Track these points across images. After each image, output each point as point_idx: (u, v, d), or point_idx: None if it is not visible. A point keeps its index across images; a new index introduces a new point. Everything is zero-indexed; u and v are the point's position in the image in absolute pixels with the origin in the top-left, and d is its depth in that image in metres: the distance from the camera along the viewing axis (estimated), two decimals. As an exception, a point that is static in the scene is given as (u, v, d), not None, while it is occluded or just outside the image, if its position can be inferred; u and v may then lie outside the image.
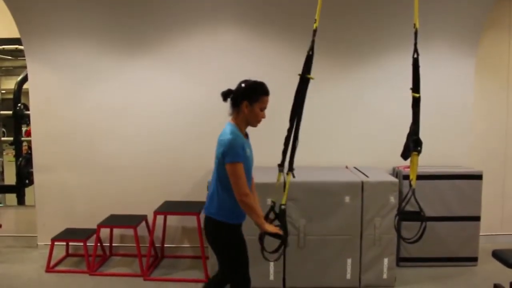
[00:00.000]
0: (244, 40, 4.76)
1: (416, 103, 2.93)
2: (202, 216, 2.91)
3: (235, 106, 2.72)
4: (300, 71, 4.81)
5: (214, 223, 2.73)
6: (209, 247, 2.98)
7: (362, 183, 4.00)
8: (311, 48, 2.84)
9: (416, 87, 2.90)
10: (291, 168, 2.87)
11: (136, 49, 4.80)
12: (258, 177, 4.03)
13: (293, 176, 2.85)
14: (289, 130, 2.86)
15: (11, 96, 5.74)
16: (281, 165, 2.91)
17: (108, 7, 4.74)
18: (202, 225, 2.85)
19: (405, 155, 2.99)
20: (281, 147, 4.74)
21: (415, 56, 2.84)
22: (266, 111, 2.78)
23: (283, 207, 2.84)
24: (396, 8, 4.65)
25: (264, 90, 2.72)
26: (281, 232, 2.74)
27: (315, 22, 2.79)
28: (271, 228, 2.72)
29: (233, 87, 4.76)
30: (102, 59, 4.83)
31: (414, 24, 2.81)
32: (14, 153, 6.66)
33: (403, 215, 3.01)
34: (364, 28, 4.73)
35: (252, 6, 4.69)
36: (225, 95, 2.74)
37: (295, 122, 2.89)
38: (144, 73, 4.78)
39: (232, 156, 2.56)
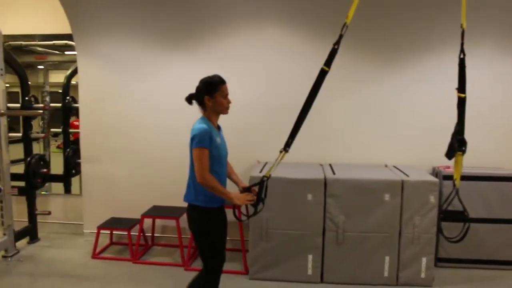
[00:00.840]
0: (287, 38, 4.80)
1: (461, 103, 2.92)
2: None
3: (201, 104, 2.90)
4: (340, 70, 4.85)
5: (193, 209, 2.87)
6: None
7: (402, 182, 4.01)
8: (337, 42, 2.85)
9: (462, 87, 2.88)
10: (287, 146, 2.85)
11: (178, 45, 4.94)
12: (298, 173, 4.13)
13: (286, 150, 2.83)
14: (300, 115, 2.87)
15: (56, 90, 6.03)
16: (288, 146, 2.88)
17: (153, 3, 4.90)
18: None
19: (449, 154, 3.00)
20: (319, 144, 4.85)
21: (462, 56, 2.82)
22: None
23: (264, 178, 2.92)
24: (438, 8, 4.61)
25: (219, 80, 2.89)
26: (251, 202, 2.91)
27: (347, 18, 2.84)
28: (240, 201, 2.85)
29: (271, 83, 4.89)
30: (147, 55, 4.99)
31: (461, 25, 2.79)
32: (57, 145, 6.97)
33: (447, 214, 3.02)
34: (406, 28, 4.69)
35: (297, 3, 4.74)
36: (189, 99, 2.91)
37: (305, 110, 2.88)
38: (187, 68, 4.90)
39: (198, 141, 2.71)
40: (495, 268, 4.47)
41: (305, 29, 4.78)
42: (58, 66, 8.04)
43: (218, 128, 3.01)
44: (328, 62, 2.91)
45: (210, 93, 2.85)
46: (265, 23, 4.81)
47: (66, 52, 6.59)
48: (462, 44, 2.79)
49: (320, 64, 4.81)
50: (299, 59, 4.80)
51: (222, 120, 4.83)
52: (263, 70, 4.82)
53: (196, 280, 3.00)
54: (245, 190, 2.95)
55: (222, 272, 3.05)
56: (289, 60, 4.83)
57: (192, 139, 2.76)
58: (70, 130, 7.88)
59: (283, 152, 2.84)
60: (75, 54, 6.29)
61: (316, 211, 4.05)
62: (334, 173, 4.20)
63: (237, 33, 4.86)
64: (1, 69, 4.47)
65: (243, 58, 4.86)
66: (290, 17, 4.79)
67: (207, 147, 2.73)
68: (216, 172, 2.82)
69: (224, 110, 2.94)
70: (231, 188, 2.95)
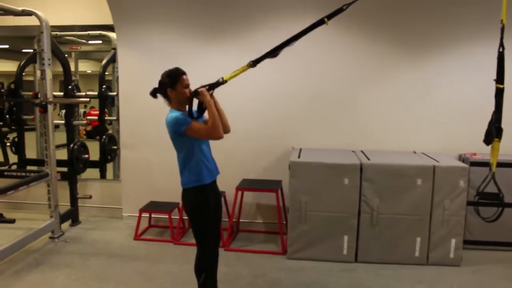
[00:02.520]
0: (321, 30, 4.97)
1: (499, 93, 3.10)
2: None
3: (165, 97, 3.05)
4: (370, 61, 5.01)
5: (188, 191, 3.06)
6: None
7: (434, 167, 4.24)
8: (348, 5, 3.15)
9: (500, 79, 3.07)
10: (255, 63, 3.09)
11: (217, 37, 5.13)
12: (335, 159, 4.35)
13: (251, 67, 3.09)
14: (281, 45, 3.10)
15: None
16: (253, 61, 3.09)
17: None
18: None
19: (488, 140, 3.20)
20: (351, 132, 5.07)
21: (501, 50, 3.01)
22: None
23: (221, 79, 3.04)
24: (470, 7, 4.79)
25: (179, 72, 3.01)
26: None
27: None
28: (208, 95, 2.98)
29: (305, 73, 5.06)
30: (185, 45, 5.18)
31: (501, 20, 2.97)
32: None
33: (482, 196, 3.24)
34: (435, 19, 4.86)
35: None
36: (153, 93, 3.07)
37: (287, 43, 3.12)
38: (224, 58, 5.07)
39: (182, 124, 2.89)
40: (519, 250, 4.70)
41: (339, 22, 4.90)
42: (85, 55, 8.28)
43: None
44: (330, 16, 3.18)
45: (171, 85, 2.97)
46: (300, 15, 4.97)
47: (90, 42, 6.82)
48: (501, 39, 2.99)
49: (353, 55, 5.07)
50: (332, 50, 4.99)
51: (258, 108, 5.08)
52: (297, 61, 5.00)
53: (196, 263, 3.17)
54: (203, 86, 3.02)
55: (218, 253, 3.29)
56: (323, 51, 5.01)
57: (175, 129, 2.91)
58: (89, 118, 8.13)
59: (249, 65, 3.06)
60: (100, 43, 6.56)
61: (352, 195, 4.29)
62: (369, 159, 4.42)
63: (273, 24, 5.00)
64: (49, 59, 4.68)
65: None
66: (325, 9, 4.95)
67: (191, 121, 2.91)
68: (203, 151, 3.06)
69: (187, 100, 3.03)
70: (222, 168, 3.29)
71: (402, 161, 4.35)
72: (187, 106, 3.04)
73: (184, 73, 3.03)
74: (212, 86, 3.04)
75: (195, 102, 3.07)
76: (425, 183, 4.24)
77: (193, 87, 3.06)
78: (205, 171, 3.05)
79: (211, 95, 3.03)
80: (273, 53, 3.11)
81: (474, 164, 4.58)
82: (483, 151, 4.88)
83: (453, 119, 5.00)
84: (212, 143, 3.24)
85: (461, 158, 4.88)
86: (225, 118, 3.17)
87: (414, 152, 4.96)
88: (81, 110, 11.96)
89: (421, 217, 4.29)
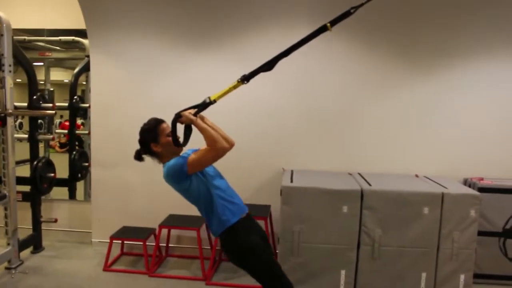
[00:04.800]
0: (318, 41, 4.56)
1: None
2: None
3: (152, 155, 2.76)
4: (370, 75, 4.58)
5: (224, 237, 2.67)
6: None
7: (443, 194, 3.79)
8: (356, 8, 2.59)
9: None
10: (245, 78, 2.62)
11: (202, 44, 4.65)
12: (332, 183, 3.89)
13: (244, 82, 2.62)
14: (278, 56, 2.68)
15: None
16: (245, 76, 2.63)
17: (173, 1, 4.62)
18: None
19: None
20: (347, 152, 4.64)
21: None
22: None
23: (208, 100, 2.62)
24: (484, 15, 4.41)
25: (155, 123, 2.73)
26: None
27: None
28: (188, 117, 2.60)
29: (298, 88, 4.61)
30: (166, 54, 4.69)
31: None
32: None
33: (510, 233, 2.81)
34: (441, 34, 4.46)
35: (330, 3, 4.49)
36: (137, 156, 2.80)
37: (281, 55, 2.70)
38: (209, 69, 4.61)
39: (182, 163, 2.56)
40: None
41: (340, 30, 4.49)
42: (59, 63, 7.70)
43: None
44: (334, 22, 2.67)
45: (153, 140, 2.68)
46: (296, 24, 4.49)
47: (63, 48, 6.28)
48: None
49: (351, 70, 4.64)
50: (329, 63, 4.57)
51: (245, 124, 4.60)
52: (291, 74, 4.55)
53: None
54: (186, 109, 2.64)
55: None
56: (319, 62, 4.57)
57: (178, 176, 2.59)
58: (58, 131, 7.56)
59: (240, 81, 2.60)
60: (77, 50, 6.00)
61: (351, 224, 3.81)
62: (369, 184, 3.96)
63: (266, 33, 4.55)
64: (10, 65, 4.15)
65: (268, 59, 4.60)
66: (323, 19, 4.53)
67: (187, 157, 2.58)
68: (219, 186, 2.71)
69: (176, 147, 2.70)
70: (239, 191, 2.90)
71: (407, 187, 3.89)
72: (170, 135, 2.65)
73: (161, 121, 2.74)
74: (198, 108, 2.61)
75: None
76: (433, 212, 3.79)
77: (175, 106, 2.64)
78: (230, 207, 2.68)
79: (197, 115, 2.60)
80: (268, 65, 2.66)
81: (482, 190, 4.15)
82: (490, 175, 4.50)
83: (459, 141, 4.58)
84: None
85: (467, 183, 4.46)
86: (222, 131, 2.77)
87: (416, 176, 4.52)
88: (57, 121, 11.39)
89: (428, 249, 3.83)
